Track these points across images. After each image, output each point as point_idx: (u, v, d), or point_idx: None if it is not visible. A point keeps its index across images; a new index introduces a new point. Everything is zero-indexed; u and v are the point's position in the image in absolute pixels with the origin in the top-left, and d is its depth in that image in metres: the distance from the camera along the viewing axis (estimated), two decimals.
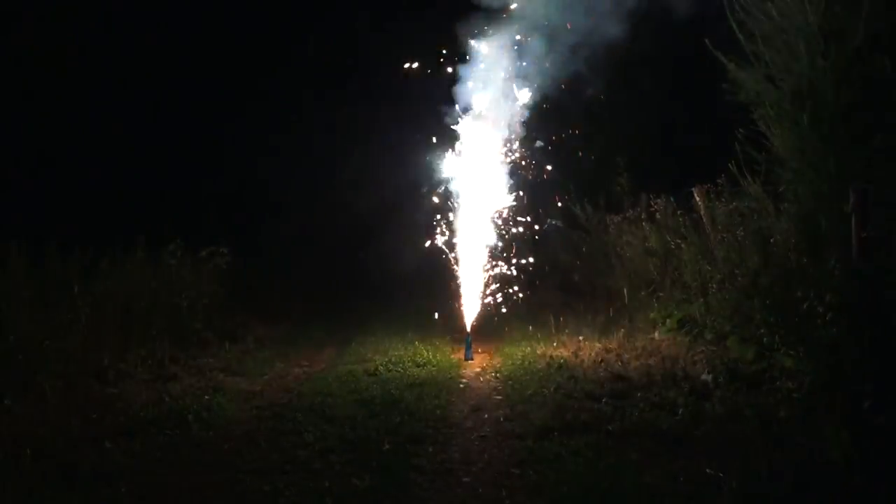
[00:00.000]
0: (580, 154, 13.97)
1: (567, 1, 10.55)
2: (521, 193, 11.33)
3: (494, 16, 10.81)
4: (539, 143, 11.50)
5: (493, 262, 11.09)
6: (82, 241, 9.05)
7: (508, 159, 11.09)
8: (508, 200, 11.10)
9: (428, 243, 11.06)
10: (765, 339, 7.00)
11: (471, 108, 10.74)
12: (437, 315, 11.45)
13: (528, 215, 11.60)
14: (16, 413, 6.58)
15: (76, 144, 13.50)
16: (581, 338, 9.52)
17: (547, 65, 10.81)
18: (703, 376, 6.92)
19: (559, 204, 12.99)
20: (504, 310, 11.35)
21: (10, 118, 12.51)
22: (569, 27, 10.60)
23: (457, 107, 10.76)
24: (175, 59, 15.57)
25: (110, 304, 8.97)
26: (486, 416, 6.65)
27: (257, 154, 16.57)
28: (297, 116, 17.40)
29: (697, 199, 9.31)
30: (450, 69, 10.92)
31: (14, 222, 8.51)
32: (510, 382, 7.84)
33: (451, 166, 10.86)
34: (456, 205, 10.80)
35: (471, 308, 10.45)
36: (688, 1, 10.67)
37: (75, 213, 12.10)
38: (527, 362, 8.68)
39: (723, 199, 8.89)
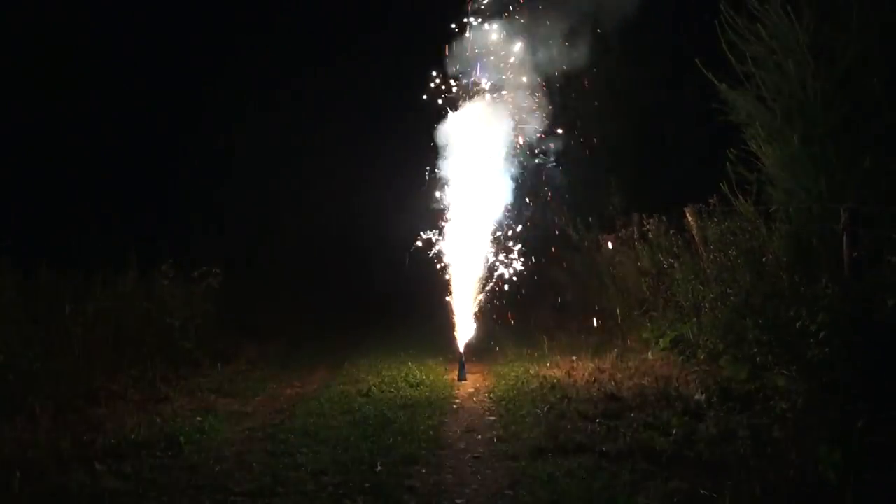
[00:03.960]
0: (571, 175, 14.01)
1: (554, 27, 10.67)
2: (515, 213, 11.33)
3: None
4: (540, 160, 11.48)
5: (487, 282, 11.07)
6: (75, 261, 9.02)
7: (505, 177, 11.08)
8: (502, 221, 11.09)
9: (421, 262, 11.03)
10: (758, 359, 7.01)
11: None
12: (430, 335, 11.42)
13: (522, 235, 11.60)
14: (5, 435, 6.51)
15: (69, 164, 13.48)
16: (574, 358, 9.51)
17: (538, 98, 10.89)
18: (697, 396, 6.91)
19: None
20: (497, 329, 11.34)
21: (3, 137, 12.50)
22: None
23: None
24: (171, 80, 15.62)
25: (102, 325, 8.93)
26: (479, 436, 6.62)
27: (251, 175, 16.60)
28: (293, 139, 17.44)
29: (689, 218, 9.34)
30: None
31: (6, 241, 8.45)
32: (503, 403, 7.82)
33: (445, 187, 10.86)
34: (449, 224, 10.78)
35: (464, 328, 10.43)
36: (680, 22, 10.80)
37: (68, 232, 12.08)
38: (520, 382, 8.66)
39: (715, 219, 8.92)
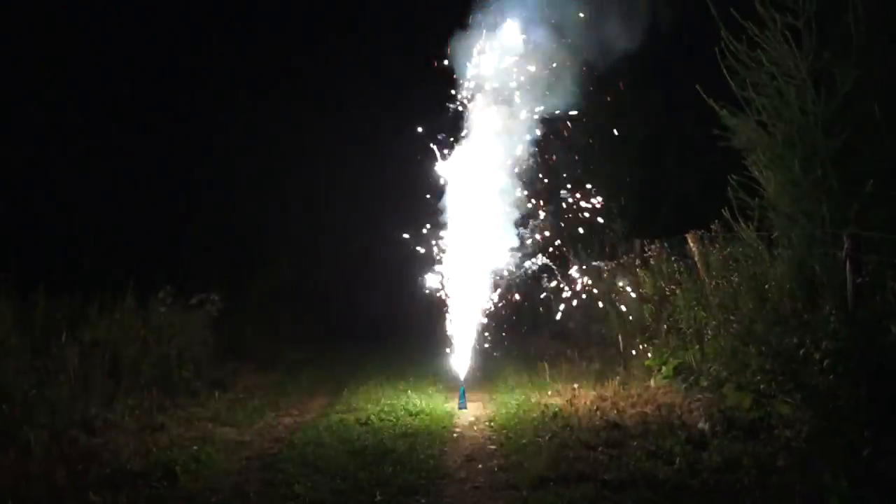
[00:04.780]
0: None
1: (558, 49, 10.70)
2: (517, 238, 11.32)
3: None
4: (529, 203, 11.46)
5: (488, 310, 11.06)
6: (71, 288, 9.01)
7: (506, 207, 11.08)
8: (504, 248, 11.08)
9: (420, 290, 11.02)
10: (761, 386, 6.99)
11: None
12: (430, 363, 11.40)
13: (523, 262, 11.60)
14: None
15: (64, 189, 13.49)
16: (576, 386, 9.48)
17: (535, 116, 10.90)
18: (700, 424, 6.89)
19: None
20: (498, 357, 11.31)
21: None
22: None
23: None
24: (163, 100, 15.66)
25: (98, 352, 8.91)
26: (479, 465, 6.59)
27: (248, 201, 16.63)
28: (290, 164, 17.50)
29: (691, 244, 9.36)
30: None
31: (3, 270, 8.46)
32: (504, 431, 7.78)
33: (446, 212, 10.87)
34: (449, 251, 10.77)
35: (464, 356, 10.40)
36: (680, 46, 10.85)
37: (63, 258, 12.08)
38: (521, 411, 8.62)
39: (717, 245, 8.93)
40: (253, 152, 16.97)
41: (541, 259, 12.23)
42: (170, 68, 16.04)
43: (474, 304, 10.73)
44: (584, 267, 12.32)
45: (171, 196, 15.40)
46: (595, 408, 8.27)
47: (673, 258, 10.07)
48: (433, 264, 10.88)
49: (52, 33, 13.85)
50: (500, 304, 11.36)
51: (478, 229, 10.41)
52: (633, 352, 10.40)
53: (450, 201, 10.53)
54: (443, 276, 10.76)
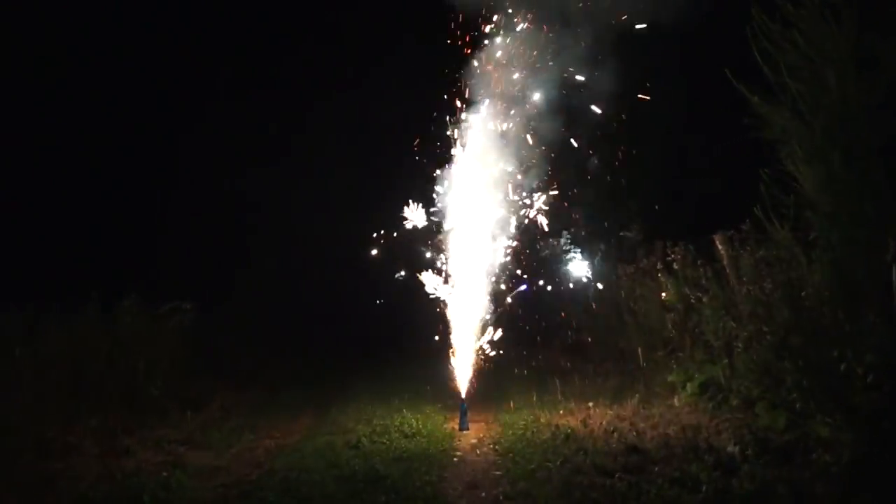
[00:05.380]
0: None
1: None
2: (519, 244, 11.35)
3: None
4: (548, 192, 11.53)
5: (492, 318, 11.05)
6: (24, 297, 8.99)
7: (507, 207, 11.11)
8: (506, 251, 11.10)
9: (417, 296, 11.02)
10: (798, 405, 6.98)
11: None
12: (427, 379, 11.40)
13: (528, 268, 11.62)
14: None
15: (17, 185, 13.47)
16: (591, 404, 9.48)
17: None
18: (730, 448, 6.88)
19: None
20: (503, 371, 11.31)
21: None
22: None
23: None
24: (139, 95, 15.71)
25: (56, 369, 8.91)
26: (483, 494, 6.58)
27: (225, 202, 16.63)
28: (270, 161, 17.53)
29: (719, 247, 9.34)
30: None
31: None
32: (511, 456, 7.77)
33: (443, 209, 10.89)
34: (448, 252, 10.78)
35: (466, 371, 10.38)
36: (708, 29, 10.85)
37: (15, 264, 12.05)
38: (529, 432, 8.62)
39: (748, 248, 8.91)
40: (231, 150, 16.98)
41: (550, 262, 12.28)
42: (137, 65, 16.07)
43: (477, 312, 10.72)
44: (600, 272, 12.33)
45: (140, 195, 15.41)
46: (612, 429, 8.27)
47: (699, 262, 10.05)
48: (431, 267, 10.88)
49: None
50: (506, 313, 11.35)
51: (478, 228, 10.44)
52: (655, 366, 10.39)
53: (449, 199, 10.56)
54: (441, 281, 10.76)
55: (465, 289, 10.59)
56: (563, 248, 13.28)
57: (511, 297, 11.34)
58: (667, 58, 13.45)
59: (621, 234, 12.64)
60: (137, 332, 10.41)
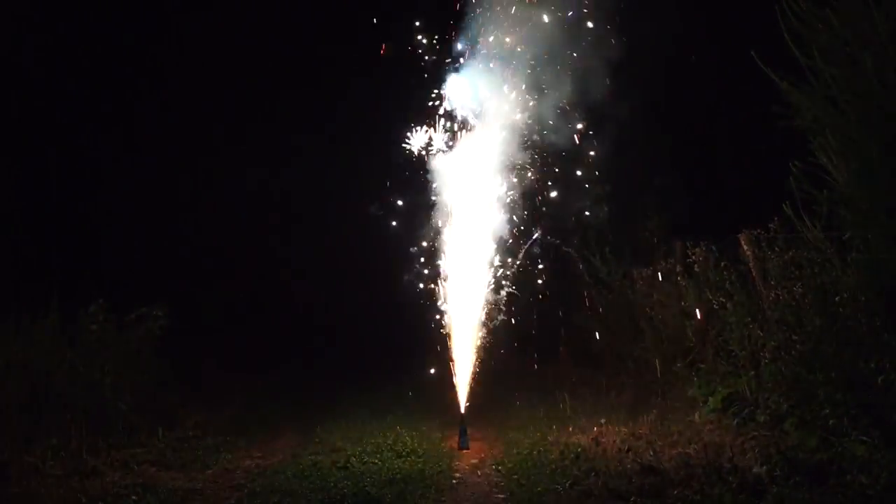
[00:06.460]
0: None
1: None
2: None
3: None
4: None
5: (493, 325, 11.07)
6: None
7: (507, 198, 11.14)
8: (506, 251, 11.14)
9: (412, 303, 11.06)
10: (831, 422, 7.00)
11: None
12: (423, 393, 11.42)
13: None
14: None
15: None
16: (603, 421, 9.50)
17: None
18: (756, 469, 6.89)
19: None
20: (507, 385, 11.33)
21: None
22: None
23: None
24: (109, 94, 15.71)
25: (12, 382, 8.90)
26: None
27: (199, 200, 16.63)
28: (249, 160, 17.54)
29: (745, 247, 9.36)
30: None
31: None
32: (515, 477, 7.80)
33: (438, 209, 10.92)
34: (444, 254, 10.81)
35: (466, 386, 10.40)
36: (733, 10, 10.89)
37: None
38: (536, 452, 8.65)
39: (776, 248, 8.93)
40: (210, 148, 16.97)
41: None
42: (107, 61, 16.07)
43: (478, 319, 10.75)
44: (613, 275, 12.34)
45: (105, 194, 15.38)
46: (626, 448, 8.29)
47: (722, 264, 10.06)
48: (426, 269, 10.91)
49: None
50: (510, 320, 11.38)
51: (479, 226, 10.48)
52: (674, 379, 10.41)
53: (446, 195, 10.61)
54: (438, 284, 10.79)
55: (465, 293, 10.62)
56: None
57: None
58: (690, 35, 13.49)
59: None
60: (103, 342, 10.38)
